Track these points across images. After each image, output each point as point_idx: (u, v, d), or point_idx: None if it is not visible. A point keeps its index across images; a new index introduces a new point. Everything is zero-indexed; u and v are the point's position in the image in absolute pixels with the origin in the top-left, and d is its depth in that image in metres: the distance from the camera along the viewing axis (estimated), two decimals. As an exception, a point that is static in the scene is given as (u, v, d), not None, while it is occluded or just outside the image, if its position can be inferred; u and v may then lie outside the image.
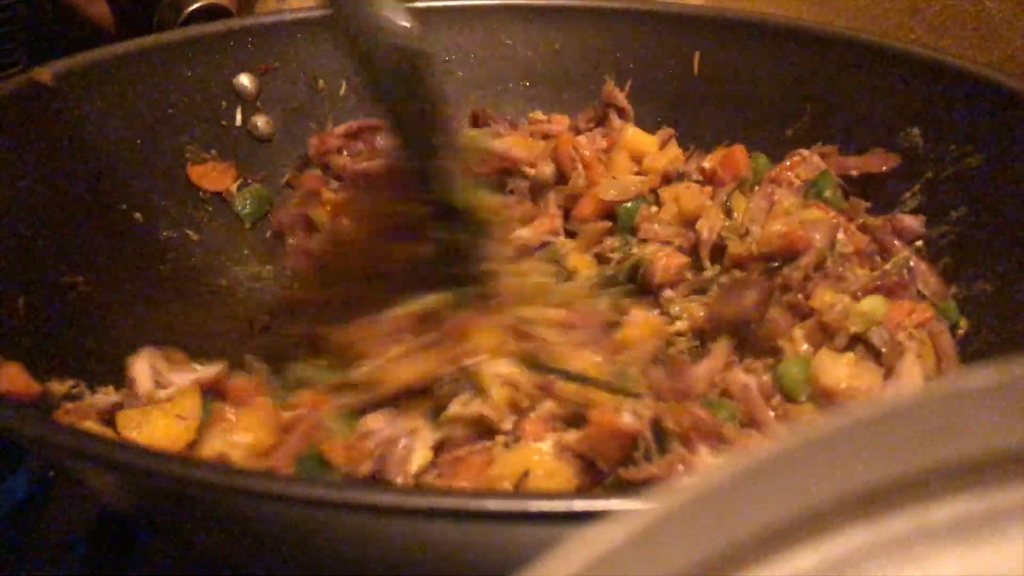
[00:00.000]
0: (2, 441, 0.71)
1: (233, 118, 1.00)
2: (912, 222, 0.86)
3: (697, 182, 0.93)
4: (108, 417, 0.67)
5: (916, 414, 0.22)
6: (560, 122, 1.04)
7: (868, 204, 0.90)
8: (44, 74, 0.83)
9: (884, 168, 0.90)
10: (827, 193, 0.88)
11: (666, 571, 0.21)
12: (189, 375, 0.71)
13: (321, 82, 1.05)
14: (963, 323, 0.77)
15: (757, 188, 0.90)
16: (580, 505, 0.43)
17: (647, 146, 0.98)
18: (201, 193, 0.95)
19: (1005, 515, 0.23)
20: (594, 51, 1.08)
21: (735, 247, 0.83)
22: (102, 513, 0.67)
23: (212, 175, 0.95)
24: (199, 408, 0.67)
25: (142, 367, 0.71)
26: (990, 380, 0.22)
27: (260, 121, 1.02)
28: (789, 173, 0.92)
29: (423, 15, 1.07)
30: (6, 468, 0.71)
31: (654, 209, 0.92)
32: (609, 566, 0.20)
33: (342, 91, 1.06)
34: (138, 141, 0.91)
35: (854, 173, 0.91)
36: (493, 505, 0.42)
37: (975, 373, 0.22)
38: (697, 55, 1.04)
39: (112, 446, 0.50)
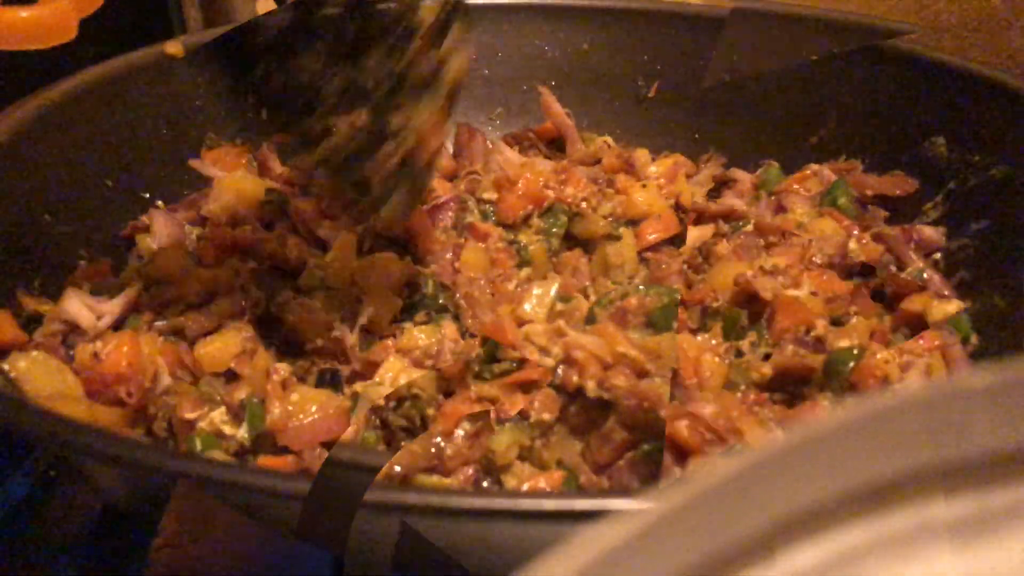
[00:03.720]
0: (3, 441, 0.71)
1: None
2: (932, 233, 0.84)
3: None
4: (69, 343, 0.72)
5: (916, 413, 0.22)
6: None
7: (887, 214, 0.89)
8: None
9: (899, 192, 0.89)
10: (841, 201, 0.88)
11: (666, 571, 0.21)
12: (119, 300, 0.75)
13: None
14: (974, 338, 0.75)
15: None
16: (580, 504, 0.42)
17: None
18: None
19: (1005, 515, 0.23)
20: (622, 52, 1.06)
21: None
22: (103, 513, 0.67)
23: (225, 159, 0.95)
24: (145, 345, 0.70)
25: (76, 305, 0.73)
26: (990, 380, 0.22)
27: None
28: (798, 186, 0.92)
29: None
30: (6, 468, 0.71)
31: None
32: (609, 566, 0.20)
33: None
34: (163, 131, 0.92)
35: (869, 193, 0.90)
36: (480, 503, 0.42)
37: (975, 373, 0.22)
38: (726, 58, 1.03)
39: (115, 442, 0.50)
